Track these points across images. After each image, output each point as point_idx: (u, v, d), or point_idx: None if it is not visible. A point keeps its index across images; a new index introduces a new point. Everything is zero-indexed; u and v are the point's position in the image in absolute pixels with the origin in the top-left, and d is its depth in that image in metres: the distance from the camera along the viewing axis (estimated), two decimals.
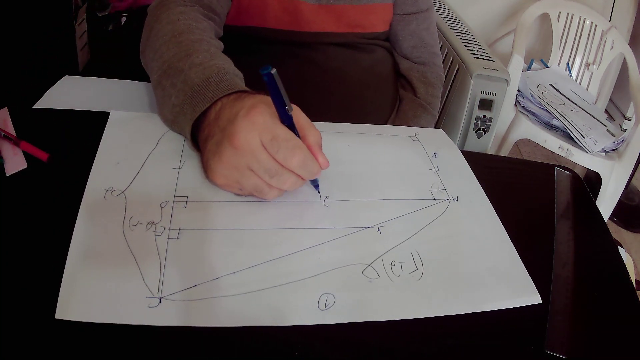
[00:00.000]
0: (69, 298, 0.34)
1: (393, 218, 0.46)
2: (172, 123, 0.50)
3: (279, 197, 0.45)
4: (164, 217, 0.41)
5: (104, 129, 0.50)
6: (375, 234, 0.44)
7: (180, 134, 0.51)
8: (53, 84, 0.63)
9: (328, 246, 0.42)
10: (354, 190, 0.48)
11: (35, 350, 0.32)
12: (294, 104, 0.43)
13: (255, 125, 0.40)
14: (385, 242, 0.43)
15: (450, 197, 0.50)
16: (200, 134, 0.46)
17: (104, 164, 0.46)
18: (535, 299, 0.41)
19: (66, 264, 0.36)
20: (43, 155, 0.46)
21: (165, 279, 0.36)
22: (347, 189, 0.48)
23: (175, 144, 0.49)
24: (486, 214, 0.49)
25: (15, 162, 0.46)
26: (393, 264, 0.41)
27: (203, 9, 0.62)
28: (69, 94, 0.62)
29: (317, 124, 0.56)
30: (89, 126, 0.51)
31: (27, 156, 0.47)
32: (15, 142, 0.48)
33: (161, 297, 0.35)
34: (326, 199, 0.46)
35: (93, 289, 0.35)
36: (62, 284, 0.35)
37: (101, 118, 0.51)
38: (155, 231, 0.40)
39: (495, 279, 0.42)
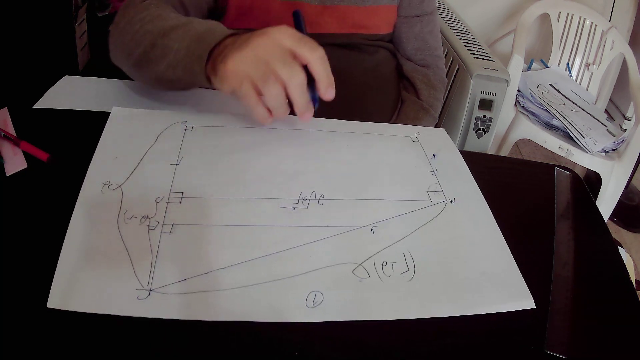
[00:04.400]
0: (61, 288, 0.35)
1: (387, 218, 0.46)
2: (174, 68, 0.51)
3: (274, 195, 0.45)
4: (158, 212, 0.42)
5: (103, 129, 0.50)
6: (369, 233, 0.44)
7: (181, 77, 0.51)
8: (53, 84, 0.63)
9: (320, 244, 0.42)
10: (350, 190, 0.48)
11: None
12: None
13: (289, 30, 0.45)
14: (377, 242, 0.43)
15: (447, 199, 0.50)
16: (212, 57, 0.48)
17: (103, 158, 0.46)
18: (529, 303, 0.41)
19: (61, 254, 0.37)
20: (43, 155, 0.46)
21: (156, 272, 0.37)
22: (343, 188, 0.48)
23: (173, 140, 0.50)
24: (483, 217, 0.49)
25: (15, 162, 0.46)
26: (384, 264, 0.41)
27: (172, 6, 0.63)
28: (69, 94, 0.61)
29: (320, 120, 0.57)
30: (89, 126, 0.51)
31: (27, 156, 0.47)
32: (15, 142, 0.48)
33: (151, 290, 0.36)
34: (321, 198, 0.46)
35: (85, 280, 0.35)
36: (55, 273, 0.35)
37: (101, 118, 0.51)
38: (148, 225, 0.40)
39: (489, 282, 0.42)
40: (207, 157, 0.49)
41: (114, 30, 0.60)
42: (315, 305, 0.37)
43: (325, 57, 0.46)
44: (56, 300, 0.34)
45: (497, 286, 0.41)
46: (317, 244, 0.42)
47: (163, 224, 0.41)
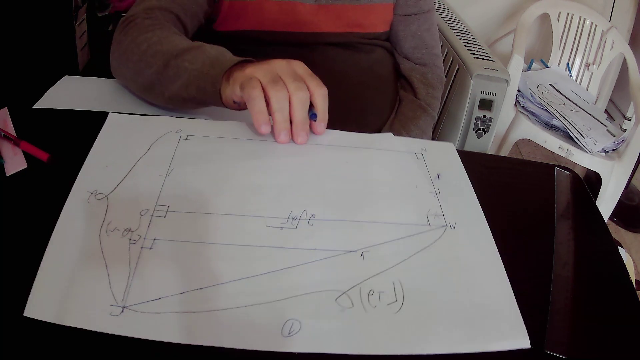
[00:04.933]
0: (38, 297, 0.34)
1: (380, 243, 0.42)
2: (187, 87, 0.54)
3: (262, 212, 0.43)
4: (141, 226, 0.40)
5: (97, 136, 0.50)
6: (358, 259, 0.41)
7: (194, 96, 0.54)
8: (53, 84, 0.63)
9: (304, 269, 0.39)
10: (343, 210, 0.45)
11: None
12: None
13: (305, 65, 0.51)
14: (366, 269, 0.40)
15: (447, 224, 0.46)
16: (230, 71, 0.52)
17: (93, 167, 0.45)
18: (524, 343, 0.37)
19: (41, 263, 0.36)
20: (43, 155, 0.46)
21: (131, 288, 0.36)
22: (336, 208, 0.45)
23: (166, 150, 0.49)
24: (484, 245, 0.45)
25: (15, 162, 0.46)
26: (371, 293, 0.38)
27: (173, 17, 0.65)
28: (69, 94, 0.62)
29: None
30: (89, 126, 0.51)
31: (27, 156, 0.47)
32: (15, 142, 0.48)
33: (124, 307, 0.34)
34: (311, 218, 0.44)
35: (61, 291, 0.35)
36: (34, 282, 0.35)
37: (101, 118, 0.51)
38: (130, 239, 0.39)
39: (483, 317, 0.38)
40: (198, 168, 0.47)
41: (117, 47, 0.61)
42: (291, 334, 0.34)
43: (327, 97, 0.50)
44: (32, 309, 0.33)
45: (491, 321, 0.38)
46: (301, 268, 0.39)
47: (144, 239, 0.39)
